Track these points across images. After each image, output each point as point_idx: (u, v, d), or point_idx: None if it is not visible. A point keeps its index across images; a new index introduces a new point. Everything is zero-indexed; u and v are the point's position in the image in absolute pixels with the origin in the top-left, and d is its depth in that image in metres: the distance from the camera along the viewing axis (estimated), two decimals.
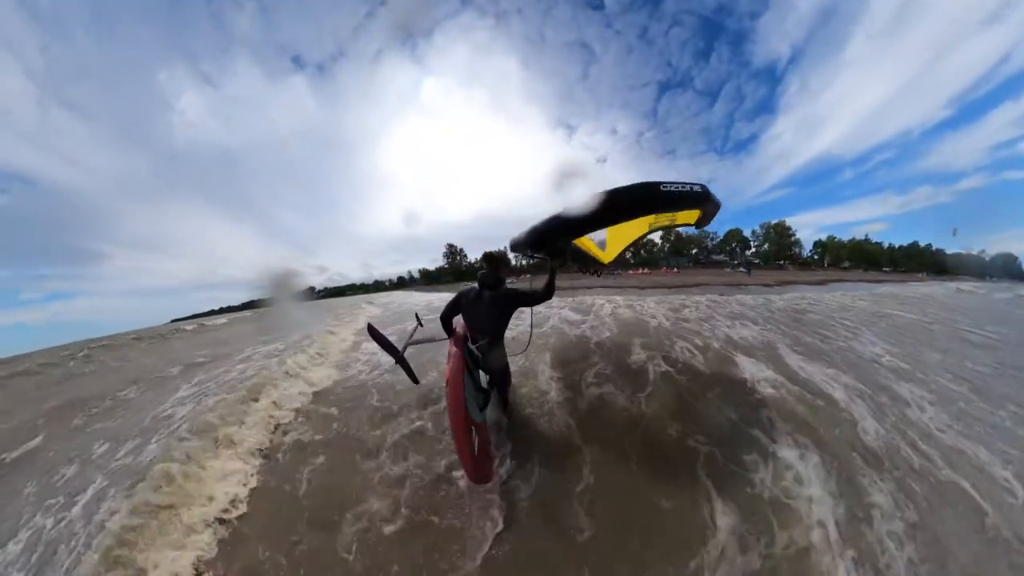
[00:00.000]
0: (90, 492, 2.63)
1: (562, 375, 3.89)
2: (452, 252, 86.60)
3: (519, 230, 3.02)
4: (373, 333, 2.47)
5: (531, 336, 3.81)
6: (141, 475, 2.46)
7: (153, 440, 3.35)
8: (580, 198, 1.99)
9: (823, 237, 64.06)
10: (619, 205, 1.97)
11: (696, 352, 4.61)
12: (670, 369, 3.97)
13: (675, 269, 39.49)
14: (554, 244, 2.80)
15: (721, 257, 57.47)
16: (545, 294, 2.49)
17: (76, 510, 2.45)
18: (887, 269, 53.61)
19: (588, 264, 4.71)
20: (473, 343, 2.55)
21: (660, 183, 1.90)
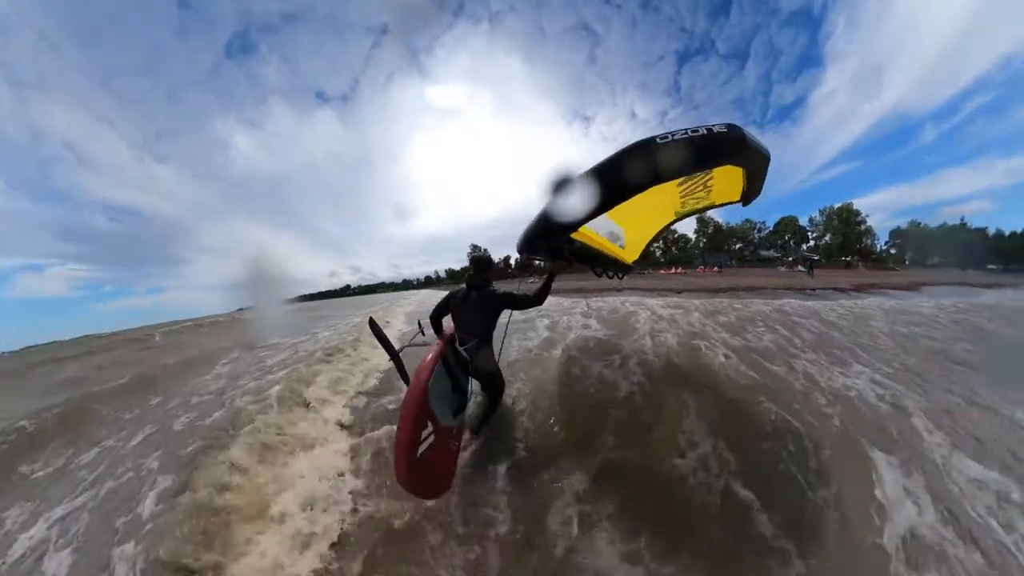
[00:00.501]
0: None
1: (561, 465, 2.42)
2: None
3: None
4: (374, 328, 2.48)
5: (503, 346, 3.20)
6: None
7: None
8: (565, 191, 1.63)
9: (902, 224, 51.08)
10: (610, 183, 1.49)
11: (800, 437, 2.78)
12: (755, 497, 2.16)
13: (716, 268, 34.38)
14: (548, 245, 2.49)
15: (771, 253, 50.15)
16: (535, 299, 2.48)
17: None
18: (993, 267, 39.36)
19: (607, 267, 3.89)
20: (462, 344, 2.52)
21: (655, 137, 1.39)
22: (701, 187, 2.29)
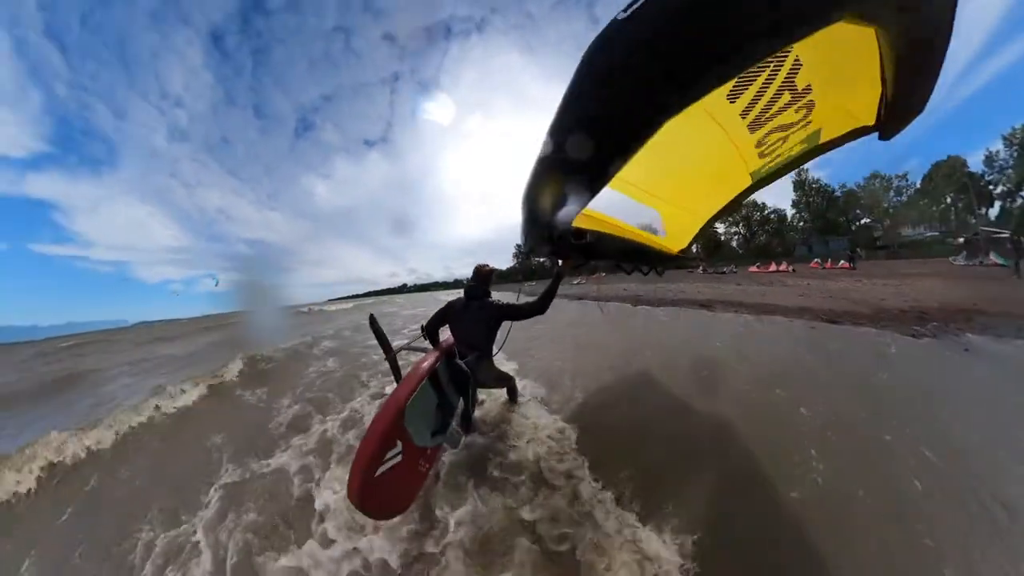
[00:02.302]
0: None
1: None
2: (520, 252, 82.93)
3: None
4: (373, 325, 2.43)
5: (503, 343, 2.77)
6: None
7: None
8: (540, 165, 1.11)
9: None
10: (588, 133, 0.88)
11: None
12: None
13: (846, 263, 20.80)
14: (548, 241, 1.76)
15: (921, 232, 30.09)
16: (537, 308, 2.29)
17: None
18: None
19: (638, 261, 2.76)
20: (461, 358, 2.34)
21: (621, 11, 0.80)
22: (791, 106, 1.16)
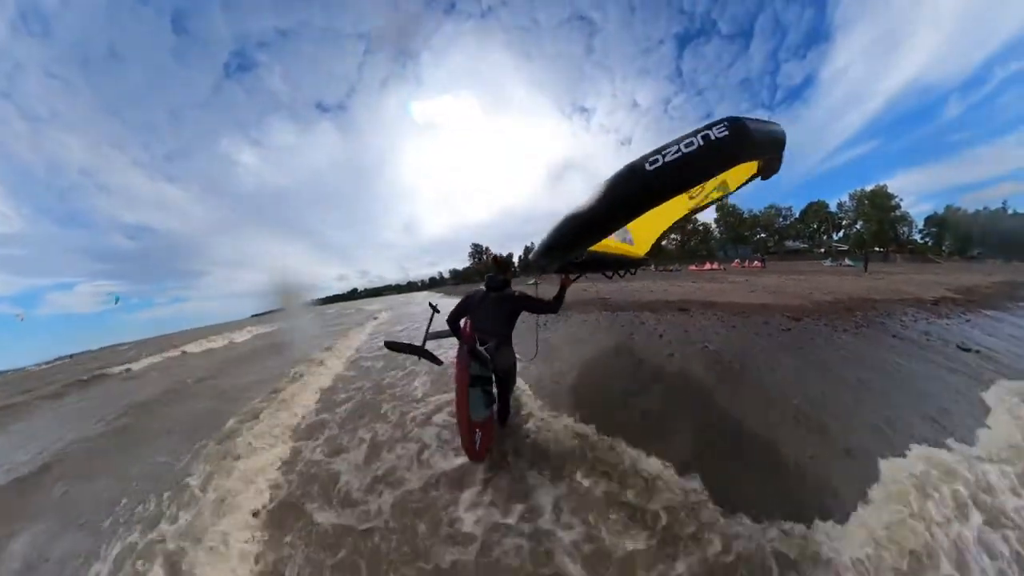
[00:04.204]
0: None
1: None
2: (477, 251, 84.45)
3: (540, 225, 2.88)
4: (391, 346, 2.67)
5: (537, 342, 3.69)
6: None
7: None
8: (579, 199, 1.66)
9: (934, 209, 46.50)
10: (606, 217, 1.55)
11: None
12: None
13: (756, 263, 29.43)
14: (563, 258, 2.49)
15: (797, 244, 45.42)
16: (551, 306, 2.56)
17: None
18: None
19: (617, 267, 3.83)
20: (481, 344, 2.47)
21: (645, 162, 1.34)
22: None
